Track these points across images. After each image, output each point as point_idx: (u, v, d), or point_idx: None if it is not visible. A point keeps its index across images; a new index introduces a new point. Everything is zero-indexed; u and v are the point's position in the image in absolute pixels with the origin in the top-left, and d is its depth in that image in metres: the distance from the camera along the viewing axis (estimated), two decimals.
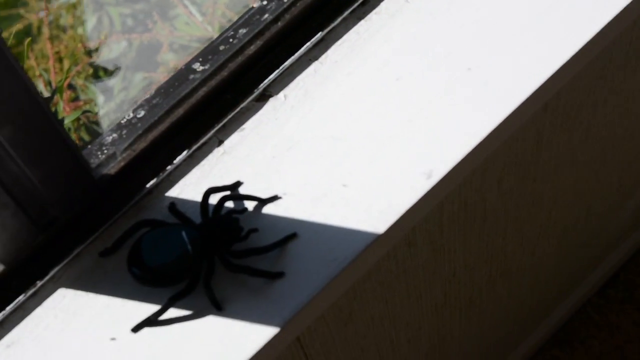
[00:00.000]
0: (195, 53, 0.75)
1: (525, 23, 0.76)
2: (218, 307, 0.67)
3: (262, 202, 0.71)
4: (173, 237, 0.68)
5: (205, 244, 0.68)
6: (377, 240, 0.69)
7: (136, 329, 0.68)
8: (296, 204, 0.71)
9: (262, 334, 0.67)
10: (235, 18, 1.18)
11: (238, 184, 0.72)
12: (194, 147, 0.74)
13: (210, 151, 0.74)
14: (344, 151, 0.72)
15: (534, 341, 1.36)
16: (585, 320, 1.42)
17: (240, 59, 0.74)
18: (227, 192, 0.71)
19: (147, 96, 0.73)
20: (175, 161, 0.73)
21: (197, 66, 0.74)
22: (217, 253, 0.68)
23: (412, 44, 0.76)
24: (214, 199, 0.71)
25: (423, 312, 0.99)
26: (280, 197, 0.71)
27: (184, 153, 0.73)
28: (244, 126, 0.75)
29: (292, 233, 0.69)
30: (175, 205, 0.71)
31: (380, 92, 0.74)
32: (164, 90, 0.73)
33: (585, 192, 1.12)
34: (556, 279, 1.27)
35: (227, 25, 1.17)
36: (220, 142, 0.74)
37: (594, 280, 1.39)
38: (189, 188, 0.72)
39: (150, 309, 0.68)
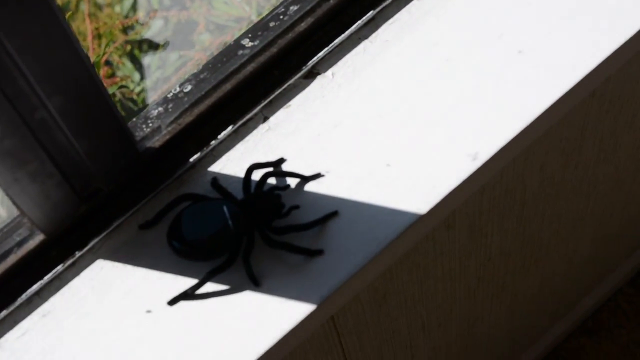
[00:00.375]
0: (232, 33, 0.74)
1: (578, 8, 0.75)
2: (256, 283, 0.67)
3: (305, 179, 0.70)
4: (214, 211, 0.67)
5: (246, 220, 0.68)
6: (418, 221, 0.69)
7: (172, 302, 0.68)
8: (339, 182, 0.70)
9: (298, 311, 0.66)
10: None
11: (281, 160, 0.71)
12: (239, 123, 0.73)
13: (255, 127, 0.73)
14: (390, 131, 0.72)
15: (562, 328, 1.35)
16: (614, 309, 1.41)
17: (290, 35, 0.73)
18: (270, 169, 0.71)
19: (195, 71, 0.73)
20: (219, 136, 0.73)
21: (246, 42, 0.74)
22: (257, 229, 0.68)
23: (463, 25, 0.75)
24: (256, 175, 0.70)
25: (456, 296, 0.98)
26: (323, 175, 0.71)
27: (229, 128, 0.73)
28: (290, 103, 0.74)
29: (334, 211, 0.69)
30: (217, 180, 0.70)
31: (430, 72, 0.74)
32: (212, 65, 0.73)
33: (625, 180, 1.11)
34: (588, 267, 1.26)
35: (266, 5, 1.16)
36: (266, 119, 0.74)
37: (626, 270, 1.38)
38: (232, 163, 0.72)
39: (187, 282, 0.68)
